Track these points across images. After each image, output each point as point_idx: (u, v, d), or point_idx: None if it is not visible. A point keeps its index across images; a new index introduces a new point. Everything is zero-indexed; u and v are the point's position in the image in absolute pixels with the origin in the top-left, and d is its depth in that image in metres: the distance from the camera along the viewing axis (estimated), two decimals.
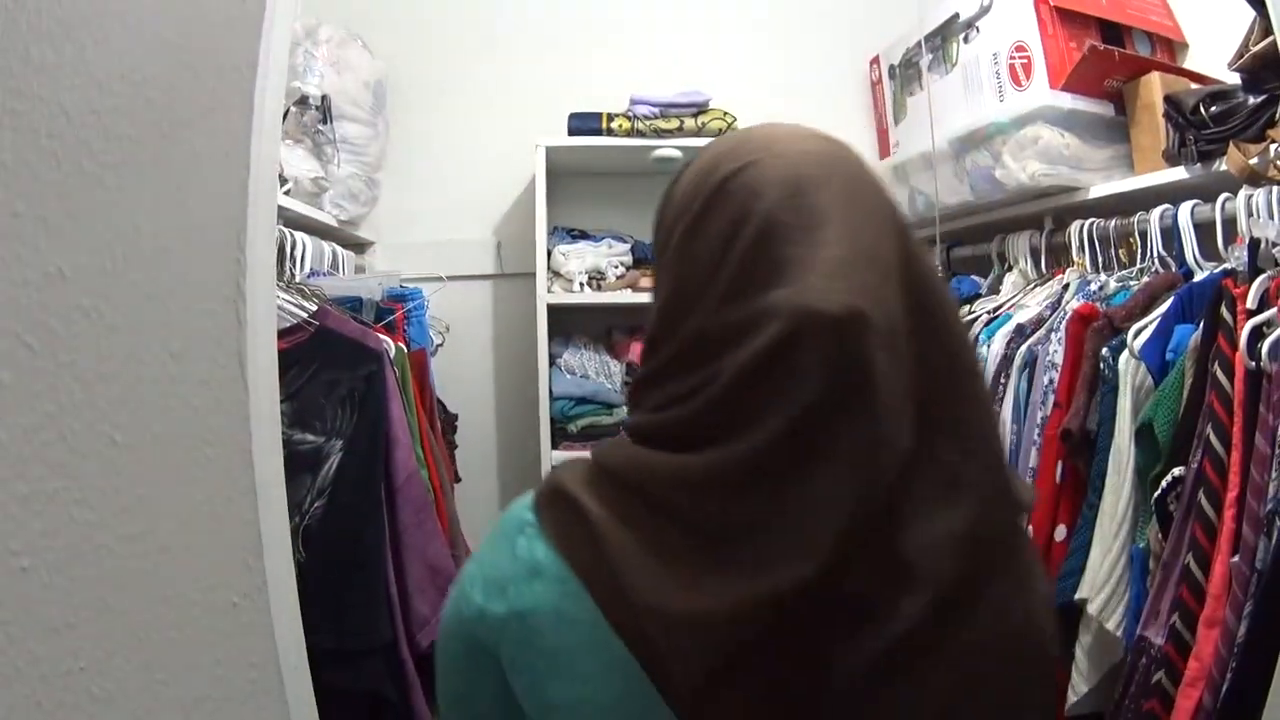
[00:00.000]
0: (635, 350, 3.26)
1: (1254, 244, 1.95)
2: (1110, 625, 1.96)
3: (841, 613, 0.86)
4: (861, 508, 0.84)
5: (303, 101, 2.72)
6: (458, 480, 2.84)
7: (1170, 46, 2.85)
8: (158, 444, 0.72)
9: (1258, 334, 1.78)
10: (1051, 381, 2.25)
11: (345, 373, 2.00)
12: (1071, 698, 2.03)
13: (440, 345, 2.90)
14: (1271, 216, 1.94)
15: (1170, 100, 2.33)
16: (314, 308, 2.05)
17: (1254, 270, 1.92)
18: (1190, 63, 2.79)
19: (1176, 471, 1.87)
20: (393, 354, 2.18)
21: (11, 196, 0.55)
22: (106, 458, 0.67)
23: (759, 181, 0.95)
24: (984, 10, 2.94)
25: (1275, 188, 1.96)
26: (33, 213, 0.57)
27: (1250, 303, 1.83)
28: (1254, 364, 1.76)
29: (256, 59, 0.87)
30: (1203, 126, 2.21)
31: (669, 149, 3.17)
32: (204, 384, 0.78)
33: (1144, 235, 2.39)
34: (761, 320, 0.87)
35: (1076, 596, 2.00)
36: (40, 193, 0.58)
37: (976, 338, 2.58)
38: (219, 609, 0.80)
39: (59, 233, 0.60)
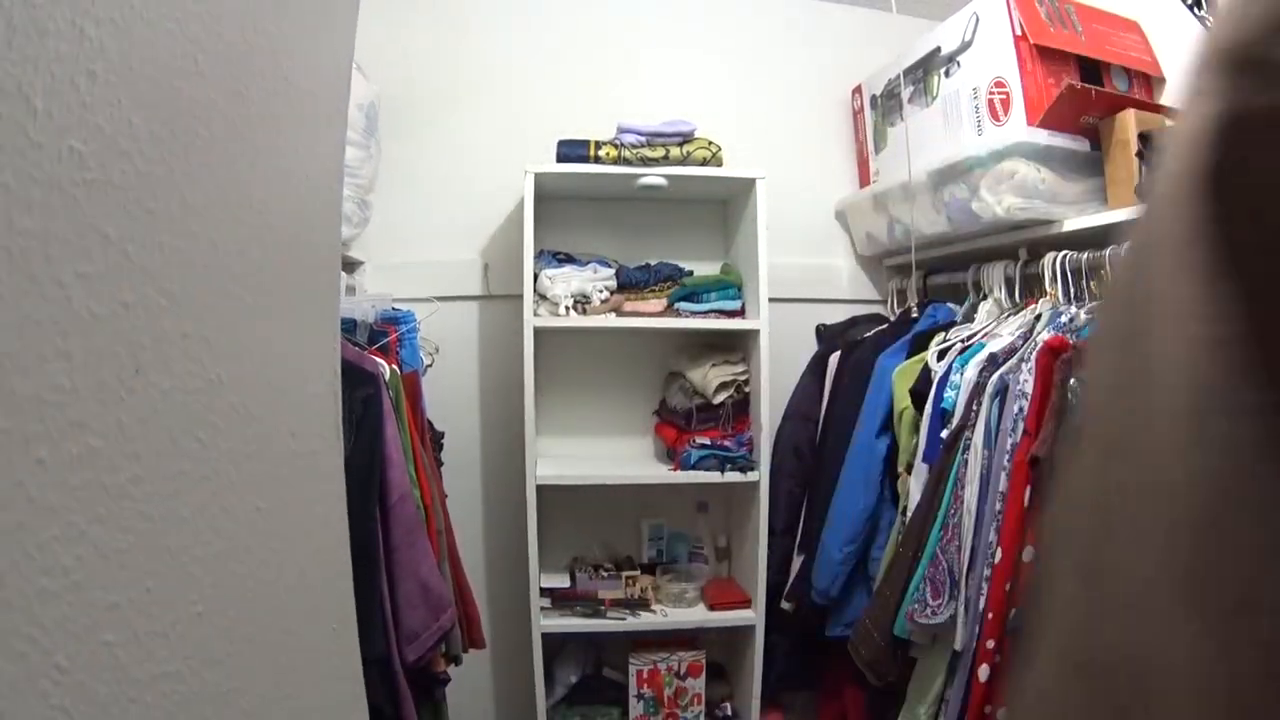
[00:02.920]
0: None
1: None
2: None
3: None
4: None
5: None
6: (444, 497, 2.88)
7: (1149, 82, 2.91)
8: (285, 507, 0.89)
9: None
10: (1021, 410, 2.31)
11: (344, 395, 2.05)
12: None
13: (430, 366, 2.95)
14: None
15: (1144, 138, 2.38)
16: None
17: None
18: (1168, 98, 2.85)
19: None
20: (387, 376, 2.23)
21: (183, 322, 0.70)
22: (252, 522, 0.82)
23: None
24: (965, 45, 3.00)
25: None
26: (198, 334, 0.72)
27: None
28: None
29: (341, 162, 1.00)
30: None
31: (654, 177, 3.23)
32: (314, 454, 0.96)
33: (1115, 268, 2.44)
34: None
35: None
36: (198, 307, 0.73)
37: (950, 365, 2.66)
38: (324, 635, 0.98)
39: (216, 348, 0.75)
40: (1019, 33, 2.78)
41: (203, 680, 0.73)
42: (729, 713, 3.41)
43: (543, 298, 3.23)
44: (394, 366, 2.37)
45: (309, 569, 0.93)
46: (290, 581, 0.89)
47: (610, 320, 3.27)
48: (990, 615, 2.25)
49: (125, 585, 0.64)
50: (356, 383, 2.10)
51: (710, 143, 3.26)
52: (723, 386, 3.31)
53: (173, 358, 0.69)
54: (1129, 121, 2.55)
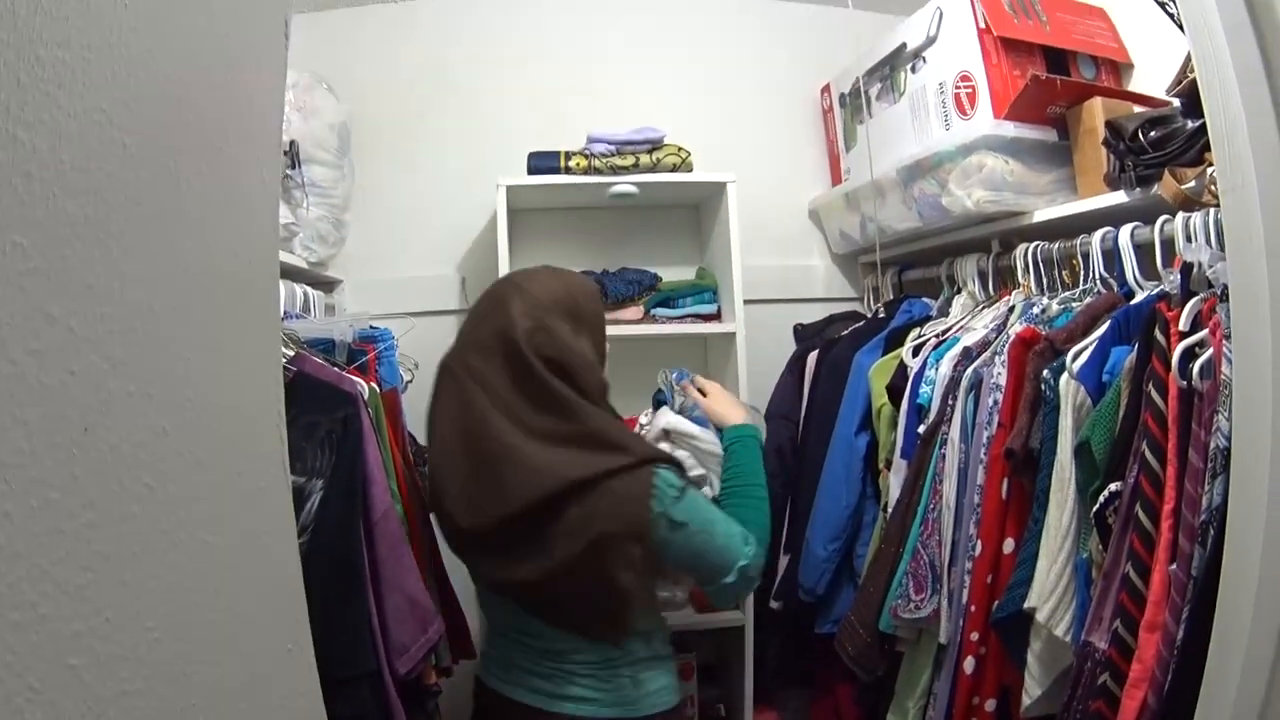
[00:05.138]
0: None
1: (1186, 268, 2.01)
2: (1059, 632, 2.03)
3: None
4: (455, 436, 2.04)
5: None
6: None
7: (1115, 68, 2.93)
8: (234, 540, 0.96)
9: (1189, 355, 1.84)
10: (996, 403, 2.33)
11: (323, 416, 2.05)
12: (1026, 700, 2.11)
13: (410, 382, 2.95)
14: (1207, 240, 2.00)
15: (1110, 126, 2.38)
16: (291, 353, 2.11)
17: (1186, 294, 1.99)
18: (1135, 83, 2.87)
19: (1113, 487, 1.95)
20: (366, 395, 2.23)
21: (127, 383, 0.77)
22: (202, 555, 0.89)
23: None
24: (930, 41, 3.02)
25: (1211, 210, 2.00)
26: (142, 392, 0.79)
27: (1183, 325, 1.90)
28: (1185, 383, 1.83)
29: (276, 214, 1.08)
30: (1141, 152, 2.26)
31: (625, 185, 3.23)
32: (261, 491, 1.04)
33: (1086, 257, 2.46)
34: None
35: (1026, 605, 2.08)
36: (141, 367, 0.80)
37: (925, 360, 2.67)
38: (280, 655, 1.07)
39: (160, 402, 0.83)
40: (982, 26, 2.80)
41: (162, 697, 0.81)
42: (722, 714, 3.42)
43: None
44: (373, 385, 2.38)
45: (261, 594, 1.02)
46: (242, 607, 0.97)
47: None
48: (973, 608, 2.27)
49: (86, 616, 0.72)
50: (335, 404, 2.11)
51: (680, 148, 3.27)
52: None
53: (118, 415, 0.76)
54: (1096, 110, 2.56)
